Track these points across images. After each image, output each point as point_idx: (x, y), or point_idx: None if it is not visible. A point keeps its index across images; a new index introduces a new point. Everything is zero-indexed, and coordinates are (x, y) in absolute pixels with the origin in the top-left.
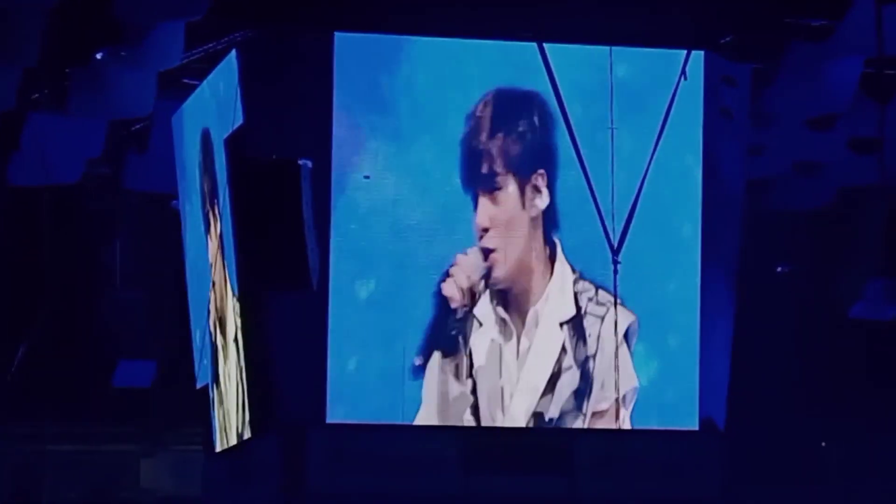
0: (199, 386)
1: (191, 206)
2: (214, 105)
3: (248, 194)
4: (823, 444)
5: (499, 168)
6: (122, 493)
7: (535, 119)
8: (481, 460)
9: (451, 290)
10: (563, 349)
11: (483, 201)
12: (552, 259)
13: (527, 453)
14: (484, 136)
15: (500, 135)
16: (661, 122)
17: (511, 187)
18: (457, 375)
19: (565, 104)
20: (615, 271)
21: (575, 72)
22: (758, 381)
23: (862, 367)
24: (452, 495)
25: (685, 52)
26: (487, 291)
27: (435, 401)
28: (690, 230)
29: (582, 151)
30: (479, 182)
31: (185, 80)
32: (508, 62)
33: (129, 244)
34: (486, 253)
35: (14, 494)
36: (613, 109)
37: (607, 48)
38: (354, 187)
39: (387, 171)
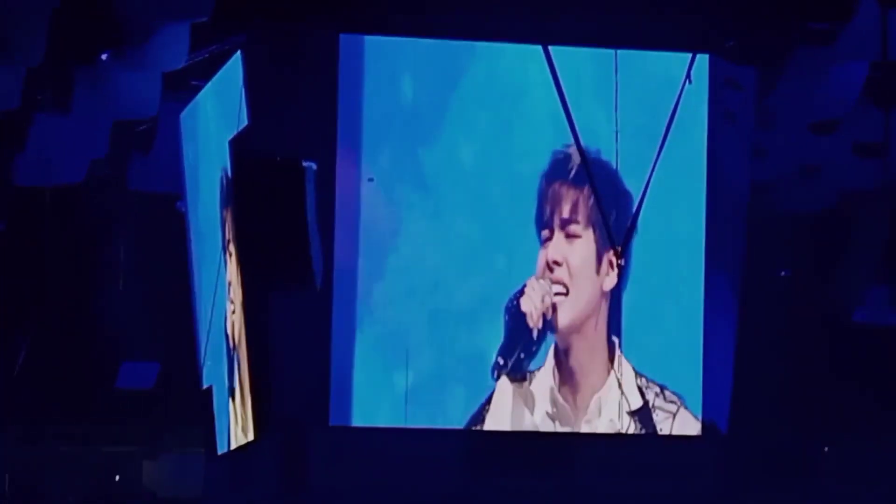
0: (203, 387)
1: (197, 207)
2: (220, 106)
3: (252, 195)
4: (826, 448)
5: (580, 218)
6: (123, 495)
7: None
8: (483, 462)
9: (528, 305)
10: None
11: (559, 238)
12: (612, 354)
13: (529, 456)
14: (570, 180)
15: (586, 187)
16: (665, 125)
17: (590, 242)
18: None
19: (570, 107)
20: (619, 274)
21: (579, 75)
22: (760, 385)
23: (865, 371)
24: (454, 497)
25: (690, 55)
26: (547, 371)
27: None
28: (695, 233)
29: (587, 154)
30: (556, 221)
31: (191, 81)
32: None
33: (134, 245)
34: (554, 286)
35: (16, 494)
36: (619, 112)
37: (612, 51)
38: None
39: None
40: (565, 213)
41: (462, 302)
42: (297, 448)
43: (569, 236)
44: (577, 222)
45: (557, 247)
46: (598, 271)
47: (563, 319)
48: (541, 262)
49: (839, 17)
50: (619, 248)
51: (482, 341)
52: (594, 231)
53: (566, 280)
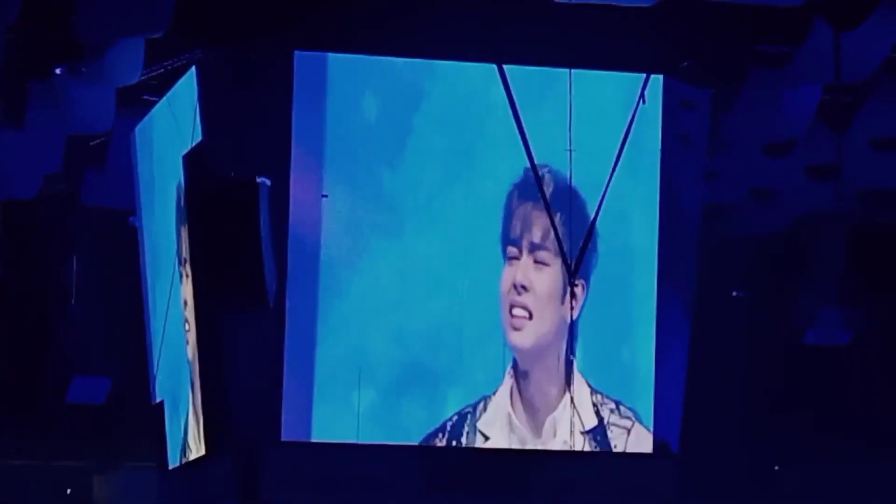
0: (155, 402)
1: (151, 222)
2: (174, 122)
3: (205, 212)
4: (777, 467)
5: (550, 245)
6: None
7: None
8: (439, 480)
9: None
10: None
11: (527, 261)
12: (569, 374)
13: (484, 473)
14: (540, 206)
15: (558, 214)
16: (619, 146)
17: (557, 272)
18: None
19: (524, 125)
20: (572, 294)
21: (534, 93)
22: (712, 404)
23: (816, 392)
24: None
25: (644, 75)
26: (505, 393)
27: None
28: (647, 254)
29: (540, 173)
30: (525, 242)
31: (145, 97)
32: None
33: (86, 260)
34: (518, 310)
35: None
36: (572, 132)
37: (566, 70)
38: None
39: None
40: (536, 238)
41: (423, 321)
42: (250, 464)
43: (537, 262)
44: (547, 249)
45: (525, 271)
46: (562, 301)
47: (525, 343)
48: (506, 282)
49: (792, 40)
50: (574, 265)
51: (443, 360)
52: (562, 262)
53: (531, 305)
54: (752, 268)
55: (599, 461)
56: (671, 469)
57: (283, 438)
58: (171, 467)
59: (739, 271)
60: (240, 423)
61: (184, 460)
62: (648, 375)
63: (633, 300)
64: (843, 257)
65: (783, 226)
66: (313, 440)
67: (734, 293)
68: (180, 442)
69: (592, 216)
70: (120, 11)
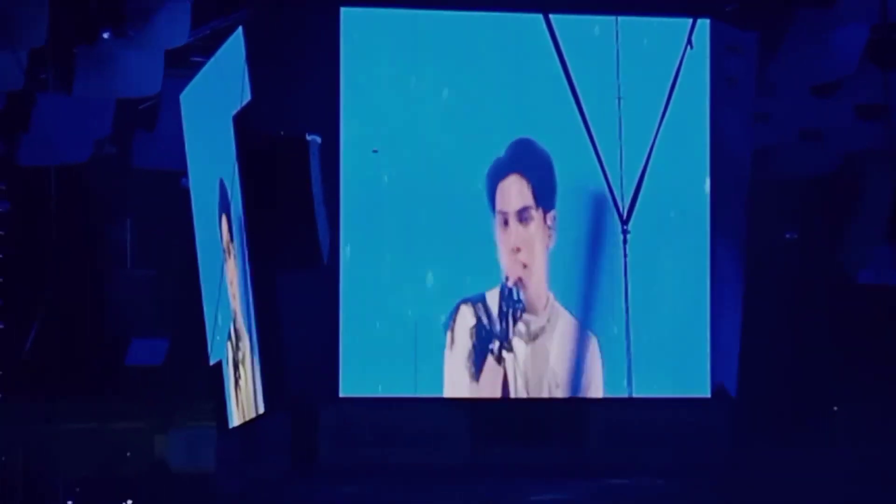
0: (212, 362)
1: (202, 183)
2: (223, 83)
3: (256, 171)
4: (836, 408)
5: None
6: (135, 470)
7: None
8: (492, 431)
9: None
10: None
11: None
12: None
13: (538, 423)
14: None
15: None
16: (667, 92)
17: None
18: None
19: (572, 75)
20: (625, 241)
21: (581, 42)
22: (768, 347)
23: (871, 331)
24: (464, 466)
25: (691, 20)
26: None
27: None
28: (698, 199)
29: (589, 122)
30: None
31: (193, 58)
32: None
33: (139, 222)
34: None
35: (28, 471)
36: (620, 79)
37: (613, 17)
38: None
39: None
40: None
41: (480, 274)
42: (307, 421)
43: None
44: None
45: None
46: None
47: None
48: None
49: None
50: (626, 212)
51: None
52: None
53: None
54: (803, 209)
55: (656, 407)
56: (727, 412)
57: (341, 395)
58: (231, 426)
59: (790, 213)
60: (298, 380)
61: (243, 419)
62: (704, 322)
63: (687, 246)
64: (894, 195)
65: (833, 166)
66: (370, 395)
67: (787, 235)
68: (238, 401)
69: (643, 163)
70: None
